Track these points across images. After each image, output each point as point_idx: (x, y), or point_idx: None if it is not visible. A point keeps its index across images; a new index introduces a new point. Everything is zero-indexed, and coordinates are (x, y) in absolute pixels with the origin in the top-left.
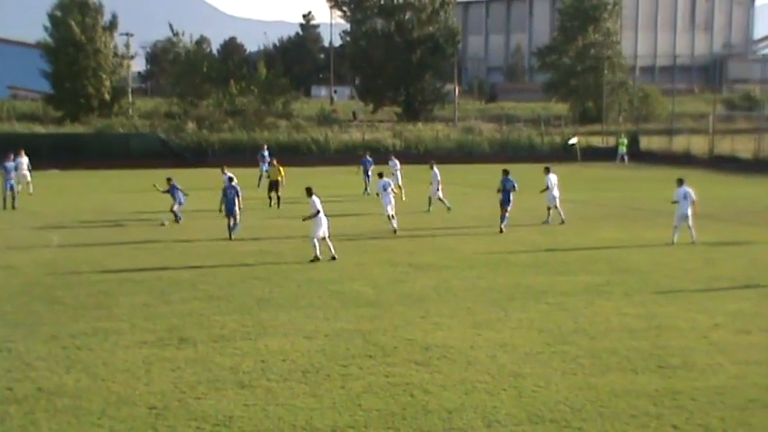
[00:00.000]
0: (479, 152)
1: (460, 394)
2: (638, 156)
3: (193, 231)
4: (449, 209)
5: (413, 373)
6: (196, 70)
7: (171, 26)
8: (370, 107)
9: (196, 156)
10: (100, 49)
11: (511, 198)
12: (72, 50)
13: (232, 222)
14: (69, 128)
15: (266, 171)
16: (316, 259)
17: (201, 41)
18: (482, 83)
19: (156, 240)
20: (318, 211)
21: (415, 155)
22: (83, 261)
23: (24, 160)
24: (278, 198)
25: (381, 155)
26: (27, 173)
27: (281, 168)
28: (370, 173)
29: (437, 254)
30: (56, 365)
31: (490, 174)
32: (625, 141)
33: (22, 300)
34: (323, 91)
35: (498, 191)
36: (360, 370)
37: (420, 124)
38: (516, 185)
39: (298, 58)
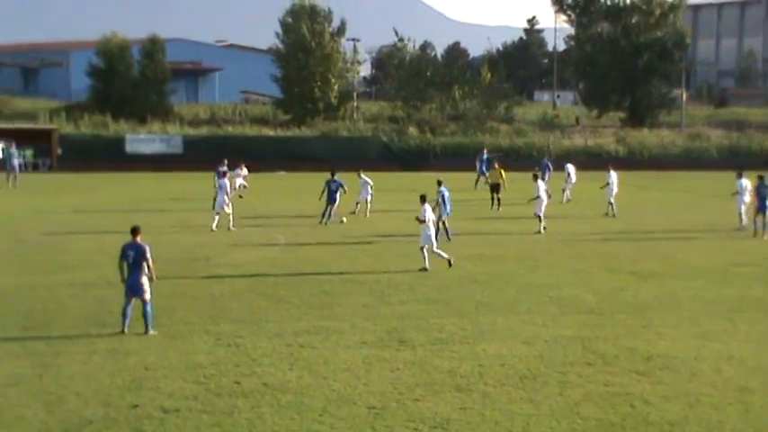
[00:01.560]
0: (707, 159)
1: (683, 407)
2: None
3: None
4: (613, 215)
5: (634, 383)
6: (420, 75)
7: (396, 31)
8: (594, 112)
9: (418, 159)
10: (329, 54)
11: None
12: (302, 56)
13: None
14: (296, 131)
15: (485, 174)
16: (425, 268)
17: (426, 46)
18: (711, 88)
19: (375, 242)
20: (423, 220)
21: (639, 161)
22: (306, 261)
23: (244, 172)
24: (498, 200)
25: (603, 161)
26: (242, 180)
27: (503, 171)
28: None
29: (659, 262)
30: (280, 362)
31: (717, 181)
32: None
33: (248, 297)
34: (545, 96)
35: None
36: (579, 378)
37: (645, 130)
38: None
39: (521, 62)
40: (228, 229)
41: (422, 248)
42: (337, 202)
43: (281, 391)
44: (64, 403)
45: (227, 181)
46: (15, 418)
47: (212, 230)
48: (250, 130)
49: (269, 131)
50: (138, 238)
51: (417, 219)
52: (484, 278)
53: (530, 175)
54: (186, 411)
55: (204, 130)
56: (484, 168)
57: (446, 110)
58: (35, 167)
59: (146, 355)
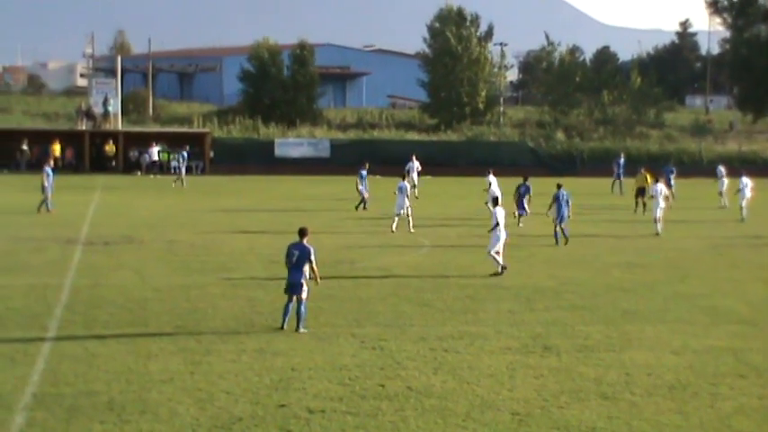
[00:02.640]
0: None
1: None
2: None
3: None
4: (741, 220)
5: None
6: (568, 79)
7: (547, 35)
8: (749, 117)
9: (565, 165)
10: (477, 58)
11: None
12: (449, 60)
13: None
14: (442, 136)
15: (621, 178)
16: (497, 273)
17: (575, 50)
18: None
19: (521, 247)
20: (498, 224)
21: None
22: (451, 265)
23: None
24: (644, 204)
25: (759, 167)
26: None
27: (649, 175)
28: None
29: None
30: (424, 366)
31: None
32: None
33: (392, 301)
34: (698, 100)
35: None
36: (731, 390)
37: None
38: None
39: (672, 66)
40: (409, 231)
41: (489, 252)
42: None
43: (425, 395)
44: (214, 400)
45: (406, 184)
46: (169, 413)
47: (392, 232)
48: (396, 135)
49: (415, 136)
50: (305, 240)
51: (489, 231)
52: (630, 286)
53: (680, 181)
54: (331, 412)
55: (351, 135)
56: (621, 173)
57: (594, 115)
58: (188, 170)
59: (293, 356)
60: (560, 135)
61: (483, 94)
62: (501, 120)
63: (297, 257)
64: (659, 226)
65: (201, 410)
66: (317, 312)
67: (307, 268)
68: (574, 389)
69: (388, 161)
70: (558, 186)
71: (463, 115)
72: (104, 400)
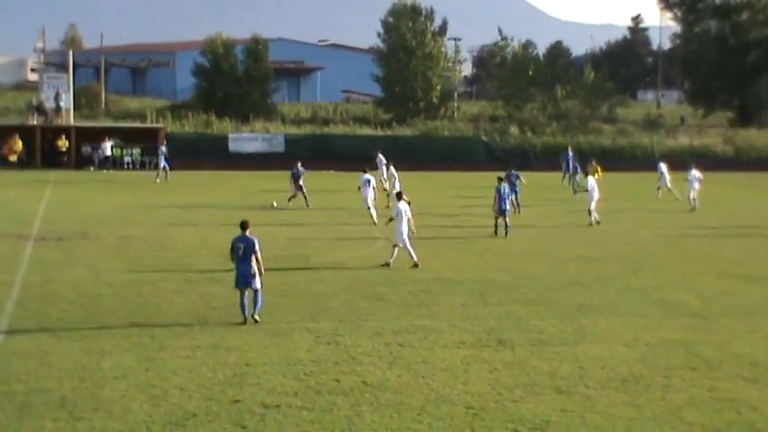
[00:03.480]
0: None
1: None
2: None
3: (514, 237)
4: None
5: (739, 389)
6: (522, 74)
7: (500, 30)
8: (700, 112)
9: (518, 159)
10: (431, 53)
11: None
12: (403, 55)
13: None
14: (397, 130)
15: (574, 172)
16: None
17: (528, 45)
18: None
19: (473, 241)
20: (393, 218)
21: (746, 162)
22: (404, 259)
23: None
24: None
25: (709, 161)
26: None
27: (600, 169)
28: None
29: (766, 264)
30: (379, 360)
31: None
32: None
33: (347, 295)
34: (649, 95)
35: None
36: (682, 382)
37: (754, 130)
38: None
39: (625, 61)
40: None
41: (394, 246)
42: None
43: (380, 390)
44: (168, 396)
45: (370, 177)
46: (122, 410)
47: (375, 224)
48: (351, 130)
49: (369, 131)
50: (248, 232)
51: (390, 219)
52: (584, 279)
53: (632, 175)
54: (286, 407)
55: (306, 130)
56: (575, 166)
57: (548, 109)
58: (142, 165)
59: (247, 351)
60: (514, 129)
61: (438, 88)
62: (455, 114)
63: (243, 250)
64: (594, 216)
65: (155, 407)
66: (272, 308)
67: (253, 259)
68: (528, 383)
69: (343, 156)
70: (499, 180)
71: (417, 110)
72: (57, 398)
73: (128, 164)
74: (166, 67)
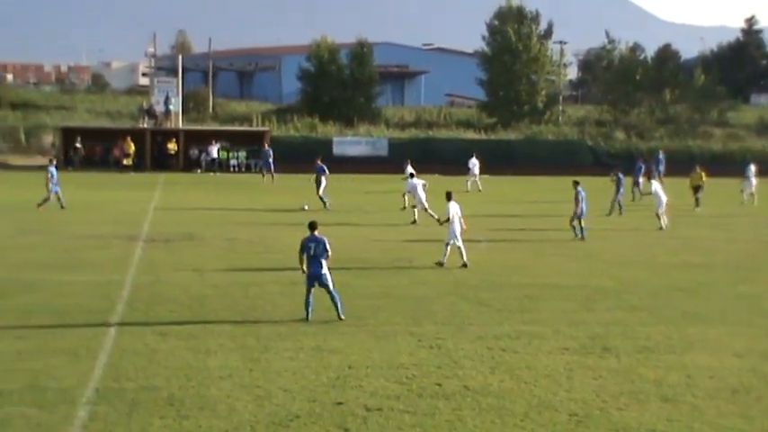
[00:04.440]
0: None
1: None
2: None
3: (617, 241)
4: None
5: None
6: (629, 77)
7: (607, 33)
8: None
9: (624, 164)
10: (536, 56)
11: None
12: (508, 58)
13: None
14: (501, 134)
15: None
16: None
17: (635, 48)
18: None
19: (578, 246)
20: (448, 219)
21: None
22: (509, 264)
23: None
24: (697, 200)
25: None
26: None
27: (704, 174)
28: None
29: None
30: (481, 365)
31: None
32: None
33: (450, 299)
34: (763, 99)
35: None
36: None
37: None
38: None
39: (737, 64)
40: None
41: (447, 244)
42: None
43: (482, 395)
44: (272, 397)
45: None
46: (227, 409)
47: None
48: (454, 133)
49: (473, 134)
50: (317, 232)
51: (440, 221)
52: (691, 286)
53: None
54: (388, 411)
55: (409, 133)
56: (660, 170)
57: (655, 114)
58: (248, 168)
59: (350, 354)
60: (620, 134)
61: (543, 92)
62: (560, 118)
63: (314, 249)
64: (663, 221)
65: (259, 407)
66: (375, 310)
67: (324, 259)
68: (633, 390)
69: (446, 160)
70: (576, 184)
71: (522, 114)
72: (164, 396)
73: (234, 166)
74: (272, 72)
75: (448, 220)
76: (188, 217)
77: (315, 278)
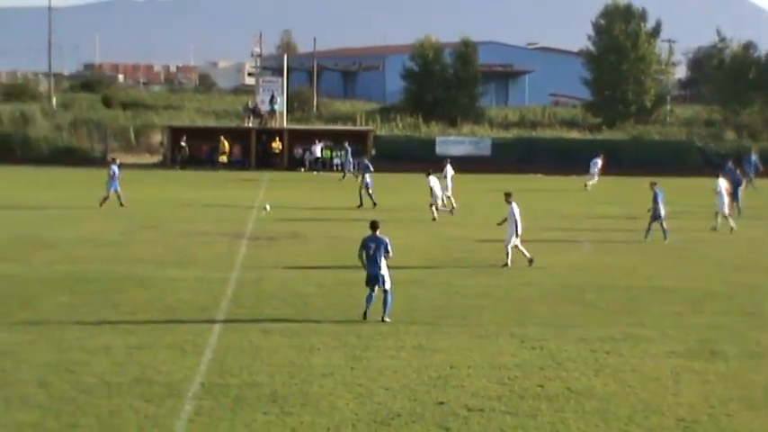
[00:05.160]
0: None
1: None
2: None
3: (731, 244)
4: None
5: None
6: (741, 76)
7: (718, 31)
8: None
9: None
10: (643, 55)
11: None
12: (614, 57)
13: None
14: (606, 134)
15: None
16: (506, 264)
17: (749, 46)
18: None
19: (688, 249)
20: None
21: None
22: (613, 266)
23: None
24: None
25: None
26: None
27: None
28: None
29: None
30: (585, 367)
31: None
32: None
33: (553, 300)
34: None
35: None
36: None
37: None
38: None
39: None
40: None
41: (507, 245)
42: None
43: (585, 397)
44: (373, 395)
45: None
46: (330, 407)
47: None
48: (558, 133)
49: (577, 134)
50: (378, 232)
51: (504, 220)
52: None
53: None
54: (490, 411)
55: (512, 133)
56: (751, 170)
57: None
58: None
59: (451, 354)
60: (730, 134)
61: (651, 92)
62: (667, 118)
63: (374, 249)
64: (719, 221)
65: (361, 405)
66: (477, 310)
67: (383, 260)
68: (743, 396)
69: (550, 160)
70: (653, 185)
71: (628, 114)
72: (267, 392)
73: (337, 165)
74: (376, 71)
75: (506, 220)
76: (292, 215)
77: (374, 278)
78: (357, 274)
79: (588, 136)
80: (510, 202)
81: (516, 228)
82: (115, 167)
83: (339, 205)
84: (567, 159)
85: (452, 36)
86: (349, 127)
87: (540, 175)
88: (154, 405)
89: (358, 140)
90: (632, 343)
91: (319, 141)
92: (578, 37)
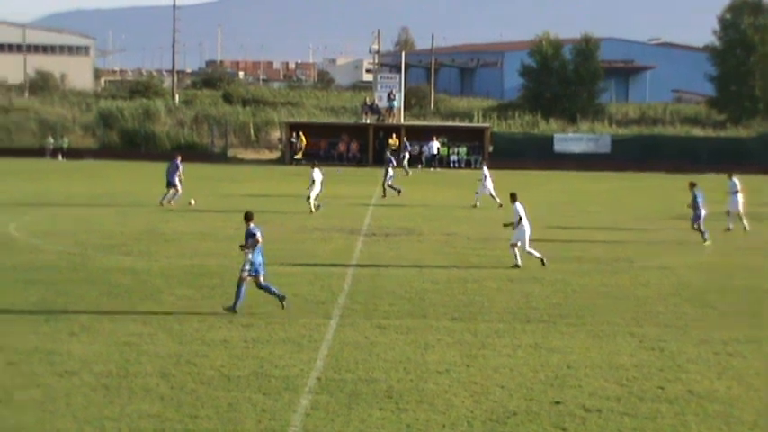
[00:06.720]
0: None
1: None
2: None
3: None
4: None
5: None
6: None
7: None
8: None
9: None
10: None
11: None
12: (741, 52)
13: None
14: (731, 132)
15: None
16: (517, 265)
17: None
18: None
19: None
20: (520, 219)
21: None
22: (737, 267)
23: None
24: None
25: None
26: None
27: None
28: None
29: None
30: (707, 370)
31: None
32: None
33: (673, 301)
34: None
35: None
36: None
37: None
38: None
39: None
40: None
41: (513, 246)
42: None
43: (707, 400)
44: (489, 394)
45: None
46: (445, 404)
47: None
48: (681, 131)
49: (700, 132)
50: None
51: (505, 225)
52: None
53: None
54: (608, 412)
55: (633, 130)
56: None
57: None
58: (468, 164)
59: (568, 353)
60: None
61: None
62: None
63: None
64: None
65: (476, 403)
66: (594, 309)
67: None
68: None
69: (672, 158)
70: (692, 186)
71: (755, 110)
72: (383, 388)
73: (454, 162)
74: (494, 68)
75: (520, 220)
76: (408, 212)
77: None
78: (472, 271)
79: (712, 133)
80: (515, 203)
81: (525, 228)
82: (178, 162)
83: (455, 202)
84: (691, 158)
85: (571, 32)
86: (466, 124)
87: (662, 174)
88: (271, 399)
89: (475, 137)
90: (757, 345)
91: (437, 138)
92: (703, 32)
